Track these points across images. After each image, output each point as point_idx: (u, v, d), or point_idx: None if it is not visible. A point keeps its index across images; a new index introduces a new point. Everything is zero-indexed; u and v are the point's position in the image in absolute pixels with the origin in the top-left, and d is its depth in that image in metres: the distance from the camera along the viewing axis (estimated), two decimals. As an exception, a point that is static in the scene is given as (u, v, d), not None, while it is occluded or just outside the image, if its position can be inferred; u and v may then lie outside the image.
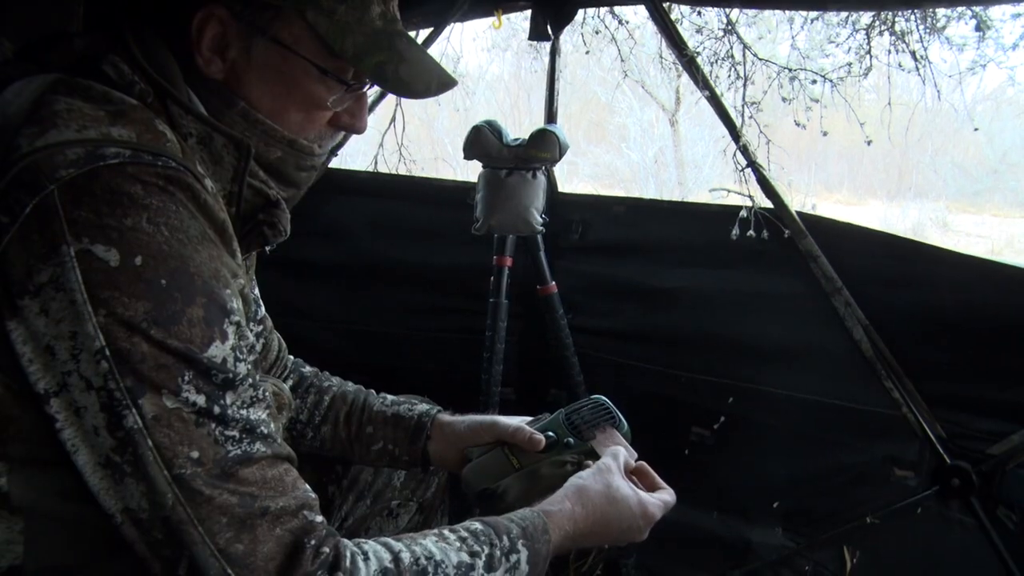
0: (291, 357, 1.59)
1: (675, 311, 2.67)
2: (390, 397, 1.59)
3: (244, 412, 0.97)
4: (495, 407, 2.52)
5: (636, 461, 1.40)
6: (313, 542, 0.96)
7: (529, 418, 1.51)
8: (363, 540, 1.04)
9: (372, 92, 1.33)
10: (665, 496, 1.36)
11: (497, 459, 1.44)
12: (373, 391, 1.61)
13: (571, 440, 1.44)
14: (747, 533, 2.55)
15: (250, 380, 0.98)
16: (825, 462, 2.42)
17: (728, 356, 2.57)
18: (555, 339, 2.68)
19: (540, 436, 1.42)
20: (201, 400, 0.93)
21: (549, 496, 1.29)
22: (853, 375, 2.33)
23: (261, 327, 1.36)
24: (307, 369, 1.61)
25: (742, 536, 2.56)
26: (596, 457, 1.39)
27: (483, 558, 1.09)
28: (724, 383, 2.57)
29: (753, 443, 2.53)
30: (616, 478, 1.31)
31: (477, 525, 1.13)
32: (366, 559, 1.00)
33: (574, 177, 12.00)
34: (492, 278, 2.58)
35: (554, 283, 2.66)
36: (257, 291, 1.39)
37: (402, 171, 3.29)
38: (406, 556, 1.03)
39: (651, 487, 1.38)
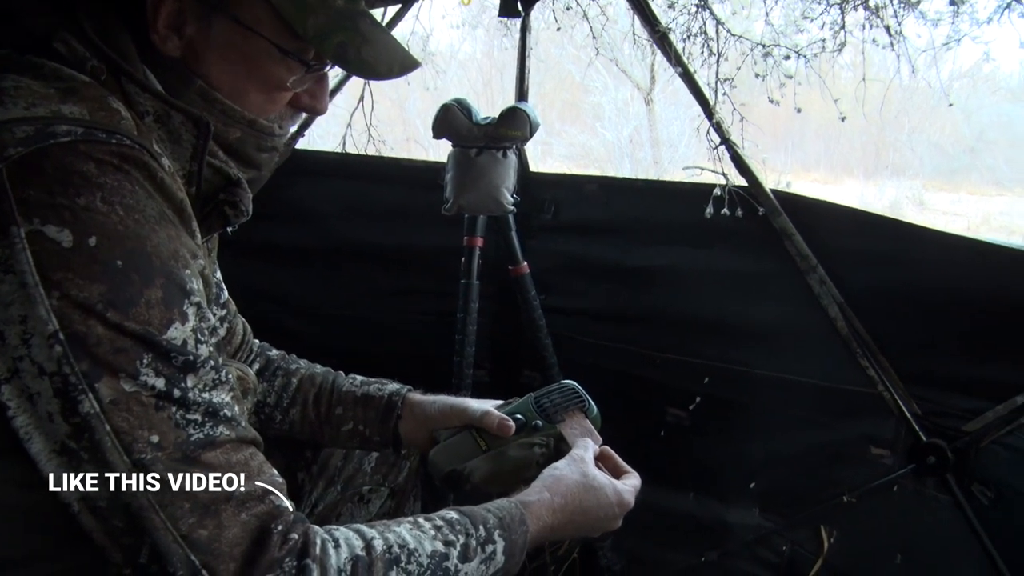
0: (256, 341, 1.58)
1: (649, 291, 2.66)
2: (359, 378, 1.58)
3: (206, 395, 0.95)
4: (468, 389, 2.51)
5: (600, 446, 1.41)
6: (280, 527, 0.95)
7: (499, 401, 1.51)
8: (334, 527, 1.03)
9: (335, 73, 1.30)
10: (634, 480, 1.36)
11: (465, 441, 1.44)
12: (342, 372, 1.60)
13: (539, 423, 1.44)
14: (724, 514, 2.57)
15: (212, 362, 0.97)
16: (802, 442, 2.43)
17: (703, 336, 2.57)
18: (528, 320, 2.67)
19: (510, 422, 1.43)
20: (161, 383, 0.91)
21: (515, 477, 1.30)
22: (829, 354, 2.34)
23: (224, 311, 1.36)
24: (273, 352, 1.60)
25: (719, 517, 2.57)
26: (563, 440, 1.41)
27: (458, 548, 1.08)
28: (699, 363, 2.58)
29: (729, 424, 2.54)
30: (591, 467, 1.31)
31: (453, 514, 1.13)
32: (337, 546, 0.99)
33: (548, 157, 11.98)
34: (463, 259, 2.56)
35: (526, 263, 2.65)
36: (219, 274, 1.37)
37: (371, 152, 3.26)
38: (379, 543, 1.02)
39: (615, 471, 1.39)
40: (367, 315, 3.07)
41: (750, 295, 2.47)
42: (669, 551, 2.61)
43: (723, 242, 2.50)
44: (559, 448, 1.41)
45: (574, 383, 1.51)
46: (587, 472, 1.29)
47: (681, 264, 2.60)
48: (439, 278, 2.89)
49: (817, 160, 13.55)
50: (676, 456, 2.60)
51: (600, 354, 2.78)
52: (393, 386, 1.55)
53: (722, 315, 2.53)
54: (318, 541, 0.98)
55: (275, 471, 1.00)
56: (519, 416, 1.45)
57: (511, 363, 3.00)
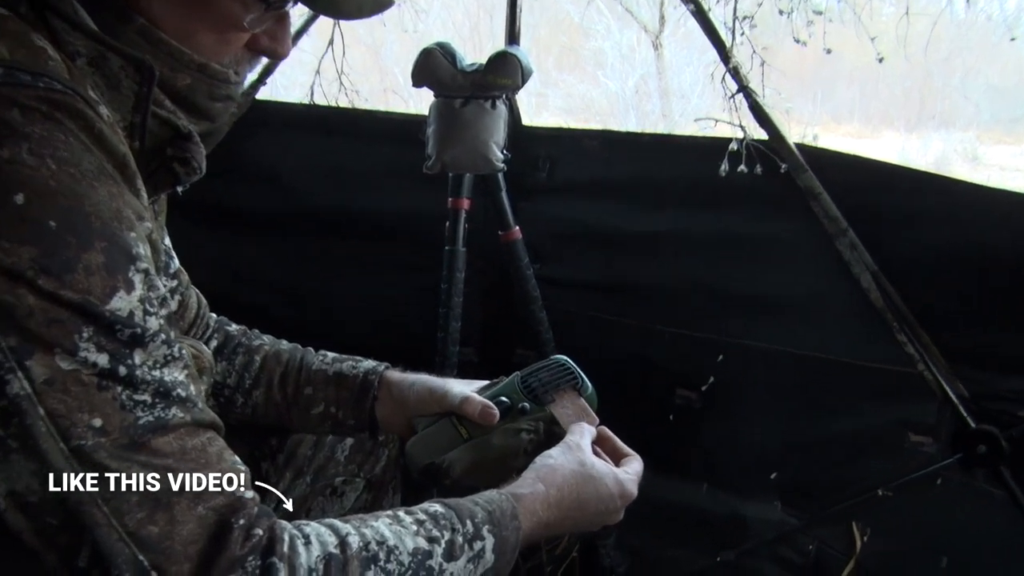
0: (213, 315, 1.58)
1: (657, 259, 2.66)
2: (331, 355, 1.58)
3: (156, 373, 0.93)
4: (453, 369, 2.52)
5: (597, 427, 1.42)
6: (243, 522, 0.93)
7: (484, 383, 1.52)
8: (304, 522, 1.02)
9: (300, 12, 1.28)
10: (636, 466, 1.37)
11: (444, 430, 1.45)
12: (311, 349, 1.59)
13: (527, 405, 1.45)
14: (741, 508, 2.57)
15: (163, 336, 0.94)
16: (829, 427, 2.42)
17: (717, 309, 2.57)
18: (520, 292, 2.67)
19: (493, 408, 1.43)
20: (103, 360, 0.88)
21: (500, 468, 1.30)
22: (861, 328, 2.32)
23: (175, 282, 1.34)
24: (233, 327, 1.60)
25: (736, 512, 2.57)
26: (556, 423, 1.42)
27: (443, 544, 1.08)
28: (712, 339, 2.58)
29: (746, 406, 2.54)
30: (588, 455, 1.32)
31: (437, 507, 1.12)
32: (307, 543, 0.98)
33: (543, 110, 11.84)
34: (447, 224, 2.55)
35: (518, 228, 2.65)
36: (168, 240, 1.35)
37: (343, 103, 3.22)
38: (354, 540, 1.02)
39: (614, 454, 1.39)
40: (339, 288, 3.07)
41: (771, 263, 2.46)
42: (680, 549, 2.61)
43: (740, 203, 2.48)
44: (551, 432, 1.41)
45: (564, 358, 1.52)
46: (584, 460, 1.29)
47: (693, 228, 2.59)
48: (420, 245, 2.86)
49: (850, 110, 13.34)
50: (687, 443, 2.60)
51: (602, 330, 2.77)
52: (368, 363, 1.55)
53: (739, 285, 2.52)
54: (286, 537, 0.96)
55: (237, 458, 0.98)
56: (504, 399, 1.46)
57: (501, 340, 3.01)
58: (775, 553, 2.50)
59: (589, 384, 1.49)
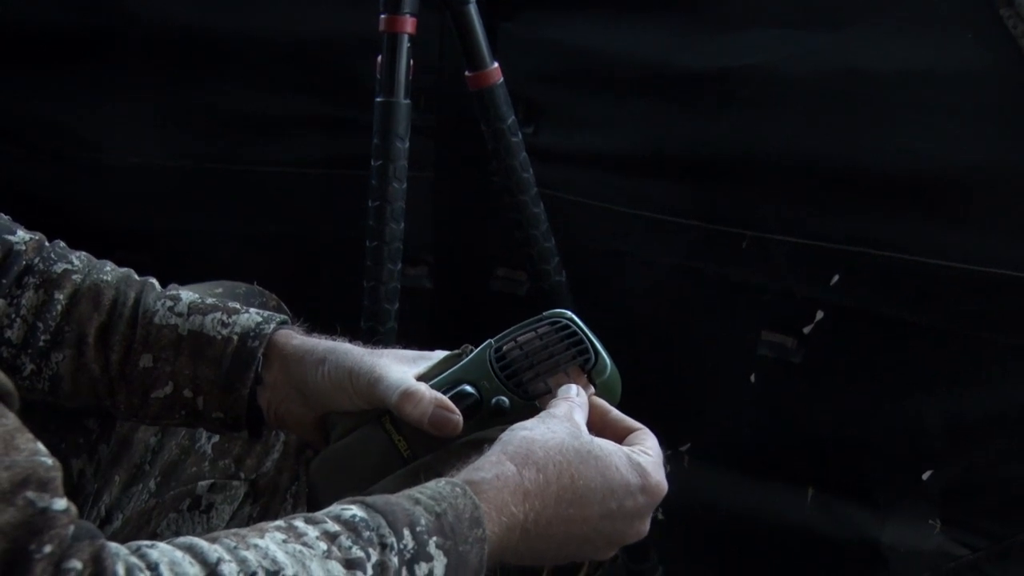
0: None
1: (727, 113, 2.34)
2: (186, 296, 1.40)
3: None
4: (392, 301, 2.25)
5: (591, 395, 1.33)
6: (48, 549, 0.80)
7: (436, 358, 1.37)
8: (150, 543, 0.89)
9: None
10: (650, 442, 1.25)
11: (370, 443, 1.32)
12: (153, 282, 1.42)
13: (504, 400, 1.31)
14: (872, 528, 2.27)
15: None
16: (1020, 395, 2.13)
17: (832, 196, 2.25)
18: (501, 173, 2.33)
19: (453, 413, 1.26)
20: None
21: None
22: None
23: None
24: (20, 236, 1.42)
25: (863, 533, 2.28)
26: None
27: (369, 570, 0.95)
28: (823, 247, 2.25)
29: (878, 360, 2.24)
30: (583, 427, 1.20)
31: (356, 511, 1.00)
32: None
33: None
34: (378, 58, 2.21)
35: (497, 66, 2.29)
36: None
37: None
38: (230, 571, 0.88)
39: (611, 430, 1.28)
40: (197, 164, 2.82)
41: (927, 118, 2.10)
42: None
43: (873, 16, 2.13)
44: None
45: (566, 315, 1.37)
46: (580, 433, 1.18)
47: (791, 62, 2.24)
48: (335, 93, 2.65)
49: None
50: (778, 420, 2.35)
51: (635, 233, 2.50)
52: (248, 316, 1.39)
53: (867, 155, 2.18)
54: (120, 571, 0.84)
55: (40, 446, 0.85)
56: (468, 388, 1.31)
57: (472, 255, 2.80)
58: None
59: (607, 359, 1.34)
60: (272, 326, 1.38)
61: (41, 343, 1.37)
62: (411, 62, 2.19)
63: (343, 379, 1.31)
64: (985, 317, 2.11)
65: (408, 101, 2.20)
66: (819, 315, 2.27)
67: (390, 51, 2.19)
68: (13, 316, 1.37)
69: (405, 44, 2.19)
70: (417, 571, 0.99)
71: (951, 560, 2.21)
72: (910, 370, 2.21)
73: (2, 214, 1.44)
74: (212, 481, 1.57)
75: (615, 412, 1.31)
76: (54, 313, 1.38)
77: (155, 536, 1.44)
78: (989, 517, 2.18)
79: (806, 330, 2.30)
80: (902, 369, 2.21)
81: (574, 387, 1.28)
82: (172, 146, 2.81)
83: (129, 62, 2.79)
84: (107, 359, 1.38)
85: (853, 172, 2.21)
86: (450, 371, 1.34)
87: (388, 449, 1.30)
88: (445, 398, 1.27)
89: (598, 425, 1.28)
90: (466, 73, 2.28)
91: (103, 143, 2.83)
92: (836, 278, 2.23)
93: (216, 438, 1.56)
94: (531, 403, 1.29)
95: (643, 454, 1.21)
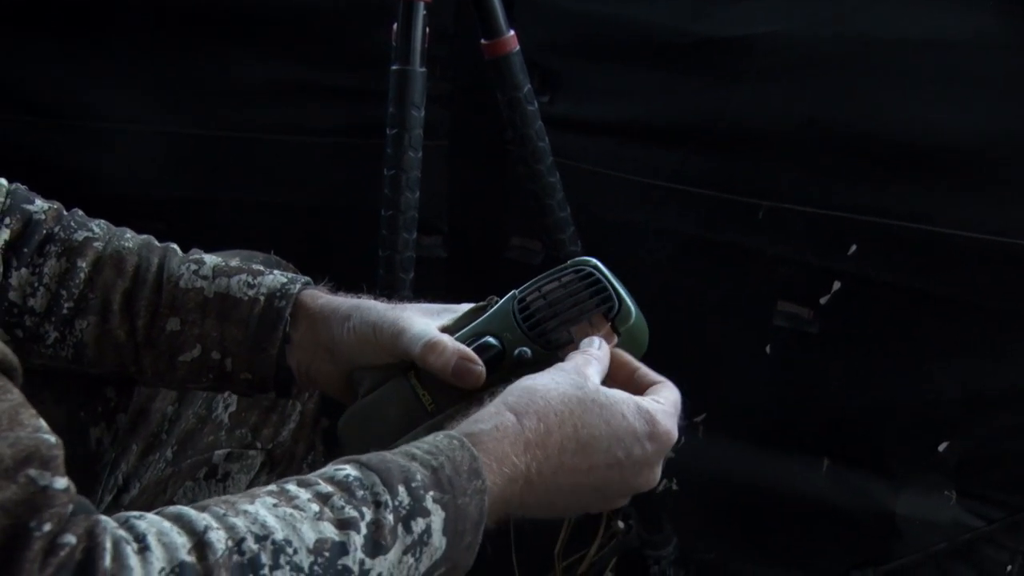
0: (3, 183, 1.44)
1: (744, 82, 2.34)
2: (210, 260, 1.43)
3: None
4: (407, 272, 2.26)
5: (613, 346, 1.33)
6: (48, 527, 0.83)
7: (459, 312, 1.39)
8: (138, 514, 0.91)
9: None
10: (668, 393, 1.25)
11: (396, 397, 1.33)
12: (175, 247, 1.45)
13: (527, 351, 1.32)
14: (887, 499, 2.30)
15: None
16: None
17: (848, 164, 2.25)
18: (517, 142, 2.31)
19: (476, 363, 1.28)
20: None
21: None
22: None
23: None
24: (39, 206, 1.43)
25: (878, 505, 2.32)
26: None
27: (363, 529, 0.95)
28: (840, 217, 2.26)
29: (895, 332, 2.26)
30: (592, 378, 1.20)
31: (350, 470, 1.01)
32: (145, 550, 0.87)
33: None
34: (395, 27, 2.20)
35: (513, 34, 2.27)
36: None
37: None
38: (218, 538, 0.89)
39: (634, 384, 1.28)
40: (212, 133, 2.80)
41: (945, 87, 2.10)
42: (784, 565, 2.43)
43: None
44: None
45: (590, 262, 1.37)
46: (584, 383, 1.18)
47: (808, 30, 2.24)
48: (350, 61, 2.61)
49: None
50: (794, 390, 2.36)
51: (653, 203, 2.49)
52: (274, 278, 1.41)
53: (887, 126, 2.17)
54: (107, 545, 0.85)
55: (42, 423, 0.88)
56: (491, 340, 1.32)
57: (487, 224, 2.80)
58: (947, 573, 2.27)
59: (633, 307, 1.34)
60: (298, 286, 1.39)
61: (65, 311, 1.38)
62: (427, 30, 2.17)
63: (368, 333, 1.32)
64: (1002, 288, 2.12)
65: (424, 69, 2.18)
66: (836, 285, 2.29)
67: (406, 19, 2.18)
68: (36, 285, 1.39)
69: (421, 12, 2.17)
70: (414, 527, 0.99)
71: (966, 531, 2.22)
72: (927, 341, 2.22)
73: (19, 184, 1.45)
74: (229, 450, 1.59)
75: (641, 368, 1.30)
76: (77, 280, 1.39)
77: (172, 504, 1.34)
78: (1005, 489, 2.20)
79: (822, 300, 2.31)
80: (919, 340, 2.22)
81: (596, 340, 1.28)
82: (187, 115, 2.81)
83: (143, 29, 2.77)
84: (133, 324, 1.39)
85: (871, 141, 2.21)
86: (474, 323, 1.34)
87: (413, 403, 1.30)
88: (468, 349, 1.27)
89: (622, 380, 1.28)
90: (482, 41, 2.26)
91: (118, 112, 2.83)
92: (853, 248, 2.25)
93: (233, 407, 1.58)
94: (553, 353, 1.30)
95: (654, 403, 1.21)
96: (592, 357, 1.24)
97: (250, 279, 1.41)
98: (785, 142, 2.31)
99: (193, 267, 1.42)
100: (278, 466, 1.64)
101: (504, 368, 1.30)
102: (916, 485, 2.29)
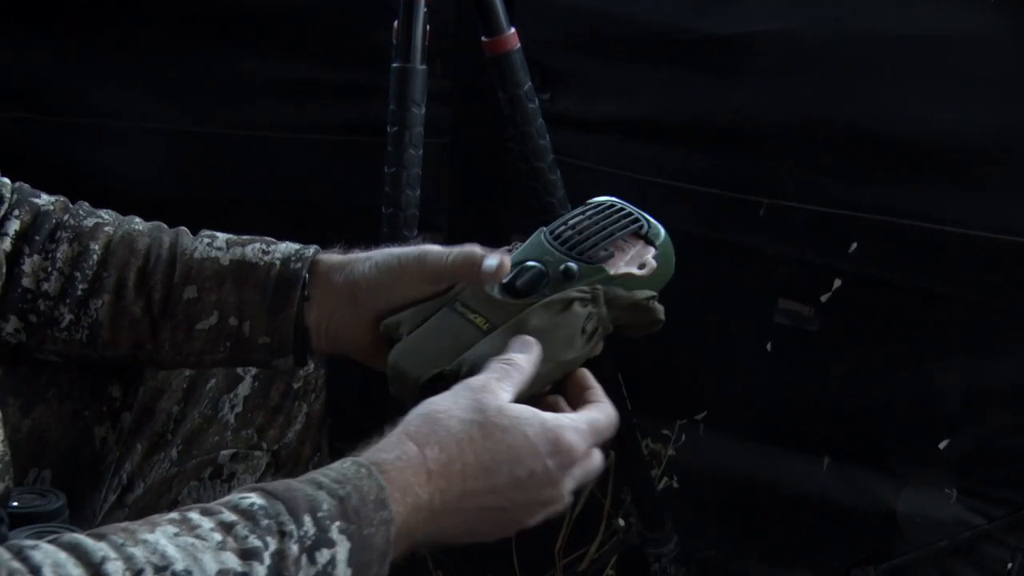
0: (6, 181, 1.44)
1: (745, 79, 2.37)
2: (222, 236, 1.45)
3: None
4: None
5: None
6: None
7: (477, 248, 1.39)
8: (32, 543, 0.87)
9: None
10: (593, 413, 1.23)
11: (446, 324, 1.34)
12: (185, 229, 1.47)
13: (572, 266, 1.32)
14: (887, 496, 2.31)
15: None
16: None
17: (849, 162, 2.26)
18: (518, 140, 2.33)
19: (501, 258, 1.30)
20: None
21: (551, 367, 1.23)
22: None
23: None
24: (46, 199, 1.45)
25: (879, 502, 2.33)
26: (622, 287, 1.32)
27: (266, 560, 0.93)
28: (841, 215, 2.27)
29: (897, 329, 2.27)
30: (496, 395, 1.18)
31: (254, 498, 0.99)
32: None
33: None
34: (395, 24, 2.20)
35: (514, 31, 2.27)
36: None
37: None
38: (115, 569, 0.86)
39: (581, 403, 1.27)
40: (213, 130, 2.82)
41: (947, 85, 2.12)
42: (785, 563, 2.42)
43: None
44: (615, 305, 1.30)
45: (611, 198, 1.42)
46: (485, 402, 1.16)
47: (809, 27, 2.25)
48: (351, 59, 2.64)
49: None
50: (793, 389, 2.36)
51: (653, 199, 2.47)
52: (287, 245, 1.44)
53: (889, 123, 2.19)
54: None
55: None
56: (532, 263, 1.34)
57: (486, 222, 2.81)
58: (947, 570, 2.26)
59: (660, 227, 1.37)
60: (312, 250, 1.40)
61: (79, 292, 1.39)
62: (428, 27, 2.17)
63: (392, 264, 1.34)
64: (1003, 286, 2.12)
65: (424, 67, 2.18)
66: (837, 283, 2.29)
67: (406, 16, 2.17)
68: (49, 269, 1.39)
69: (422, 9, 2.16)
70: (318, 558, 0.99)
71: (967, 529, 2.22)
72: (928, 339, 2.22)
73: (23, 183, 1.46)
74: (234, 451, 1.58)
75: (594, 388, 1.29)
76: (91, 262, 1.40)
77: (176, 504, 1.52)
78: (1005, 486, 2.20)
79: (823, 298, 2.32)
80: (920, 338, 2.23)
81: (518, 352, 1.27)
82: (188, 112, 2.82)
83: (144, 27, 2.78)
84: (148, 299, 1.39)
85: (872, 139, 2.22)
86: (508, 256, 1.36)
87: (465, 327, 1.31)
88: (498, 254, 1.29)
89: (572, 393, 1.29)
90: (482, 38, 2.26)
91: (119, 109, 2.83)
92: (854, 246, 2.25)
93: (239, 408, 1.57)
94: (597, 267, 1.31)
95: (564, 418, 1.20)
96: (511, 368, 1.23)
97: (264, 247, 1.42)
98: (786, 140, 2.32)
99: (207, 240, 1.44)
100: (284, 467, 1.63)
101: (551, 283, 1.32)
102: (917, 483, 2.29)
